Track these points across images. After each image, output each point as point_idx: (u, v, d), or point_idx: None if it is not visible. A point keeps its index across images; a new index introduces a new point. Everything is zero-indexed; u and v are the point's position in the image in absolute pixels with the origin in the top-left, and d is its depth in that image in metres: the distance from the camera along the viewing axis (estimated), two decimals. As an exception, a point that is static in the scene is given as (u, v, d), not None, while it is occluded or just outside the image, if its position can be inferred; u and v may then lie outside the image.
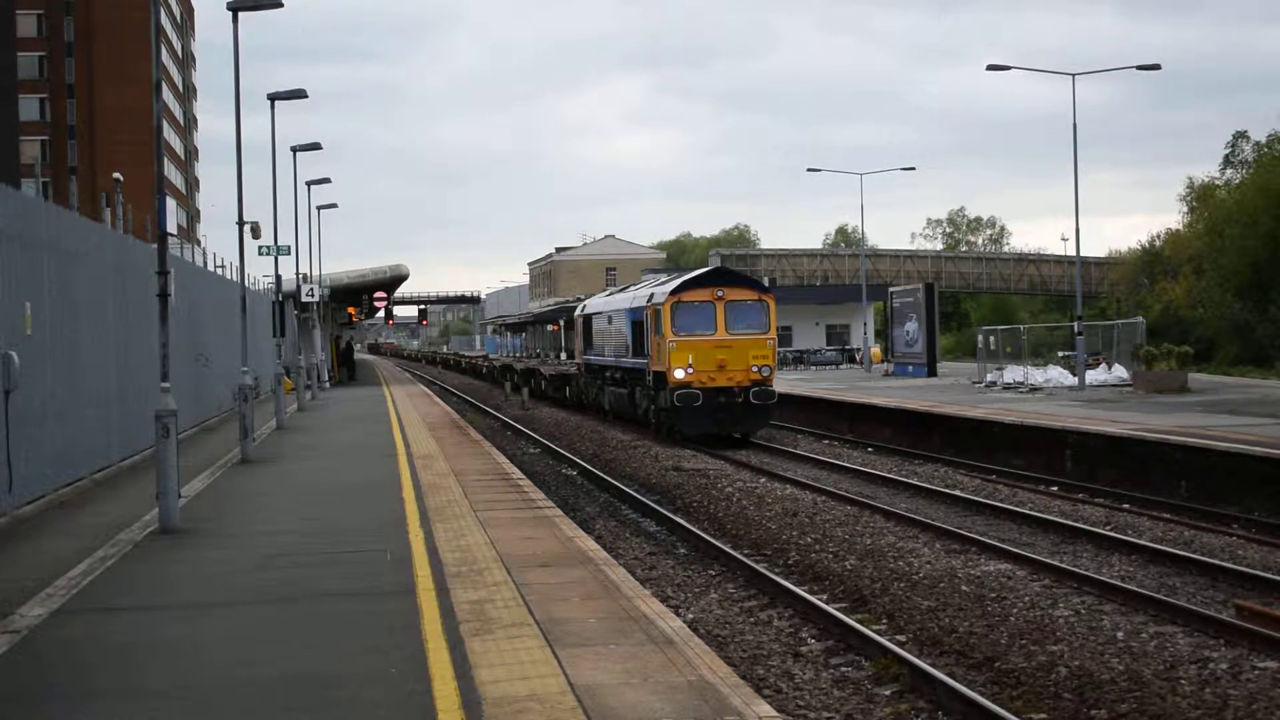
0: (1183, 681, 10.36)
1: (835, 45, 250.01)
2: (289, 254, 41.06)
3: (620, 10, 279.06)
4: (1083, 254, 45.30)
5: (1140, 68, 40.47)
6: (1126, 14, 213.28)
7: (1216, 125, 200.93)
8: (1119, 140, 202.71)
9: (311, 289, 47.50)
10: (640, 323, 33.41)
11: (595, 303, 43.55)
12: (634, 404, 35.01)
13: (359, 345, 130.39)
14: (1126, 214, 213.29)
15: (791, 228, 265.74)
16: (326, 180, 45.63)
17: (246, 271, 28.29)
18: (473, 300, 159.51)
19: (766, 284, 44.30)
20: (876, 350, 64.02)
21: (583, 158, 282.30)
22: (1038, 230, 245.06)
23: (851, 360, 64.58)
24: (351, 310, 66.22)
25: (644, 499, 21.36)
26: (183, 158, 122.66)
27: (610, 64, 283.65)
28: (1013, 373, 40.49)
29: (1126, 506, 19.88)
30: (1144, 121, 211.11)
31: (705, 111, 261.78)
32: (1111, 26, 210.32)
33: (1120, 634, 11.81)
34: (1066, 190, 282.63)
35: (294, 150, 40.51)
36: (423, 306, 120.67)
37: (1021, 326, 49.56)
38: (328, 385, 53.14)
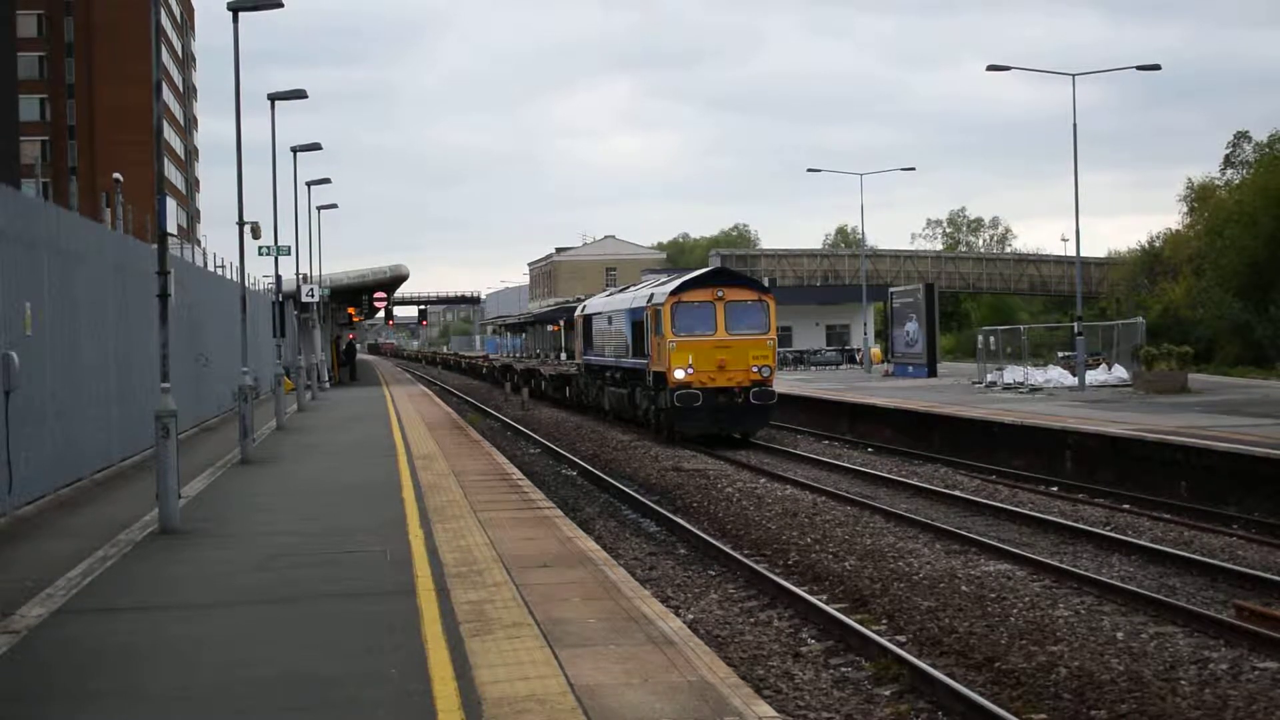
0: (1183, 682, 10.35)
1: (823, 48, 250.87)
2: (289, 254, 41.04)
3: (609, 14, 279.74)
4: (1082, 254, 45.29)
5: (1140, 68, 40.55)
6: (1110, 17, 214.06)
7: (1205, 127, 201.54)
8: (1111, 141, 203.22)
9: (311, 289, 47.47)
10: (640, 323, 33.41)
11: (595, 303, 43.55)
12: (634, 404, 35.01)
13: (359, 345, 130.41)
14: (1120, 214, 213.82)
15: (791, 228, 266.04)
16: (326, 180, 45.61)
17: (247, 272, 28.32)
18: (473, 300, 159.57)
19: (766, 284, 44.31)
20: (876, 350, 63.97)
21: (581, 158, 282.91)
22: (1037, 230, 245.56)
23: (851, 360, 64.55)
24: (351, 310, 66.21)
25: (644, 499, 21.35)
26: (183, 158, 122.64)
27: (600, 67, 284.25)
28: (1013, 373, 40.49)
29: (1126, 507, 19.88)
30: (1135, 123, 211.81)
31: (699, 113, 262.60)
32: (1095, 30, 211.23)
33: (1120, 634, 11.81)
34: (1063, 191, 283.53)
35: (294, 150, 40.49)
36: (423, 307, 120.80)
37: (1021, 327, 49.53)
38: (328, 385, 53.13)
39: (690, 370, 30.19)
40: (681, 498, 22.13)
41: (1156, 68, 39.77)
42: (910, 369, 49.92)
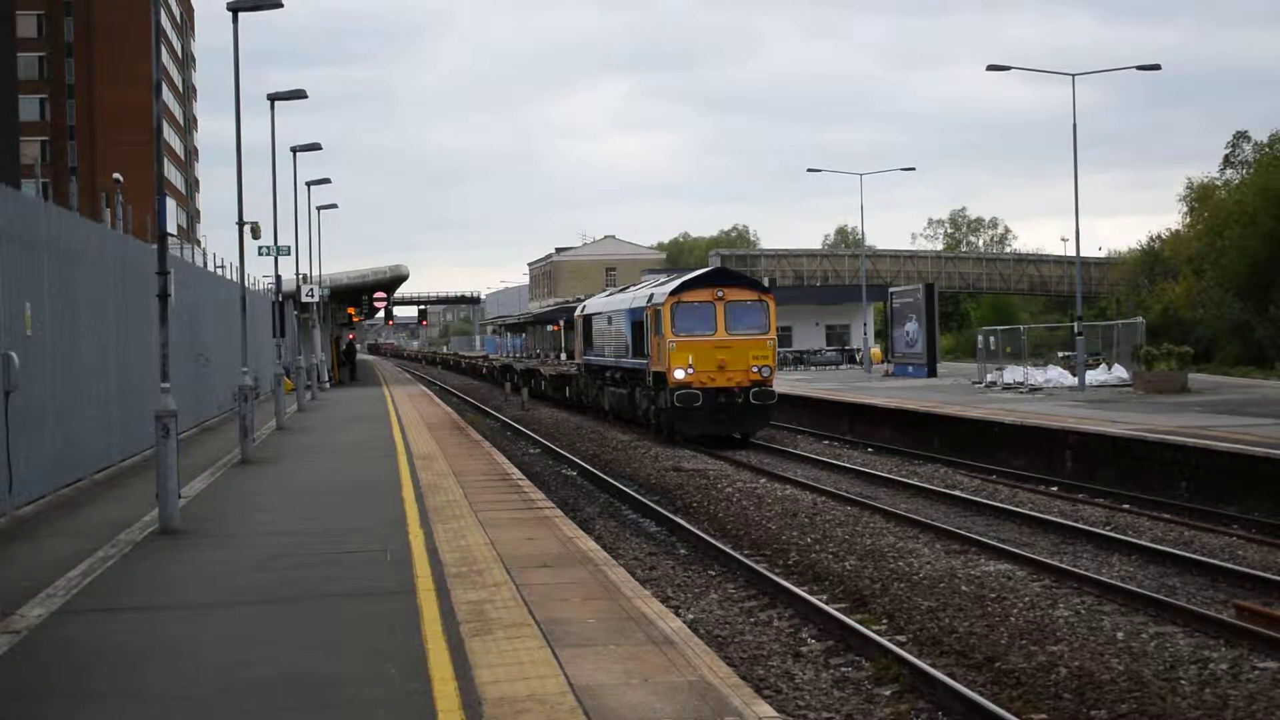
0: (1183, 682, 10.36)
1: (822, 49, 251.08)
2: (289, 254, 41.07)
3: (608, 14, 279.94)
4: (1082, 254, 45.30)
5: (1140, 68, 40.58)
6: (1106, 18, 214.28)
7: (1205, 127, 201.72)
8: (1111, 141, 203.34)
9: (311, 289, 47.48)
10: (640, 323, 33.41)
11: (595, 303, 43.54)
12: (634, 404, 35.01)
13: (359, 345, 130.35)
14: (1120, 214, 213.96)
15: (791, 228, 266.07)
16: (326, 181, 45.62)
17: (246, 272, 28.32)
18: (473, 300, 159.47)
19: (766, 284, 44.31)
20: (876, 350, 63.98)
21: (581, 158, 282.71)
22: (1037, 230, 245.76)
23: (851, 361, 64.55)
24: (351, 310, 66.17)
25: (644, 499, 21.36)
26: (183, 158, 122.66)
27: (599, 67, 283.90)
28: (1013, 373, 40.49)
29: (1126, 507, 19.88)
30: (1135, 123, 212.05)
31: (698, 113, 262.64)
32: (1091, 30, 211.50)
33: (1120, 634, 11.81)
34: (1063, 191, 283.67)
35: (294, 150, 40.50)
36: (423, 307, 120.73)
37: (1021, 327, 49.53)
38: (328, 385, 53.12)
39: (690, 370, 30.19)
40: (681, 498, 22.13)
41: (1156, 68, 39.81)
42: (910, 369, 49.93)
